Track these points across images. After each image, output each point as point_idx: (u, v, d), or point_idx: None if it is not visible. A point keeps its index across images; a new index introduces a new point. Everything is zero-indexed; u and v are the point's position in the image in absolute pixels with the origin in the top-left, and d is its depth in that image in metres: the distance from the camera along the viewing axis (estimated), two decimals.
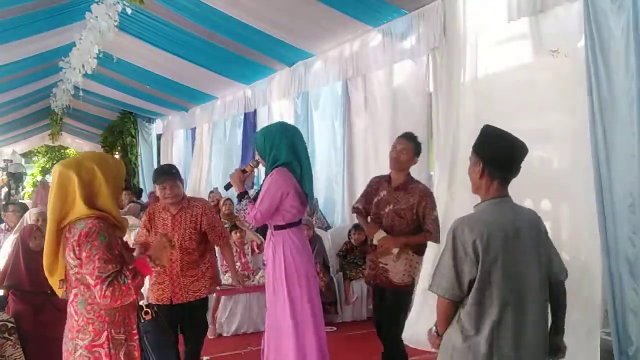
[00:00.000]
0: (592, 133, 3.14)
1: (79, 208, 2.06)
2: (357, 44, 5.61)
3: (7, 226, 5.45)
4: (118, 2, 5.15)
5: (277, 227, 3.13)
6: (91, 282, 1.99)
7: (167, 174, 3.35)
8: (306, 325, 3.09)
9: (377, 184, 3.46)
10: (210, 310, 4.98)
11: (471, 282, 1.91)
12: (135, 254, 2.37)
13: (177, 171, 3.44)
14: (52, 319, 4.13)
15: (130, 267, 2.07)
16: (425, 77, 4.56)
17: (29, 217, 4.93)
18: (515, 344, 1.93)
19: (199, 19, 5.91)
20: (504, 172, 1.99)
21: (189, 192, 9.05)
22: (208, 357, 4.20)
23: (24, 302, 4.03)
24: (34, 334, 3.89)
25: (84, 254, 2.00)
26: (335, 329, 4.97)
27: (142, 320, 2.19)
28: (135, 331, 2.15)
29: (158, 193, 3.34)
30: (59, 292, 2.17)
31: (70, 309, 2.12)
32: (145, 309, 2.23)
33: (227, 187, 3.34)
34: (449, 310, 1.98)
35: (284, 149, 3.07)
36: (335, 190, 6.33)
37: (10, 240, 4.55)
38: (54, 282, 2.18)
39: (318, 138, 6.74)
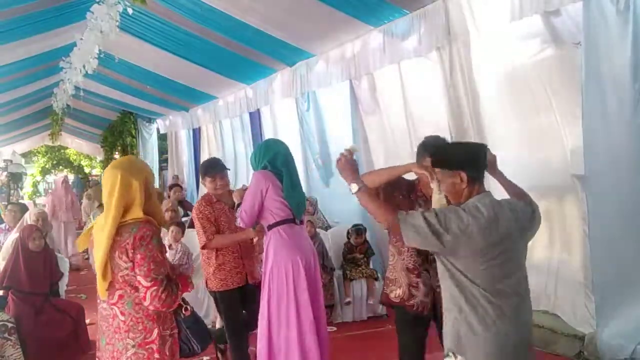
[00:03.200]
0: (584, 130, 3.21)
1: (136, 211, 2.13)
2: (358, 44, 5.59)
3: (7, 226, 5.46)
4: (119, 2, 5.13)
5: (270, 227, 3.21)
6: (145, 283, 2.07)
7: (221, 166, 3.65)
8: (282, 325, 3.07)
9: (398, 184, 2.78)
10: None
11: (455, 235, 1.94)
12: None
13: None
14: (52, 319, 4.15)
15: (176, 281, 2.20)
16: (443, 76, 4.53)
17: (29, 218, 4.93)
18: (516, 324, 2.01)
19: (199, 19, 5.90)
20: (480, 171, 2.14)
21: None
22: (208, 357, 4.20)
23: (24, 303, 4.04)
24: (34, 334, 3.90)
25: (138, 256, 2.08)
26: (335, 329, 4.96)
27: (182, 316, 2.30)
28: (175, 326, 2.26)
29: (207, 185, 3.58)
30: (104, 295, 2.16)
31: (115, 310, 2.15)
32: (184, 306, 2.32)
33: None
34: (380, 212, 2.15)
35: (267, 166, 3.25)
36: (344, 189, 6.28)
37: (11, 239, 4.55)
38: (105, 286, 2.14)
39: (323, 138, 6.72)
